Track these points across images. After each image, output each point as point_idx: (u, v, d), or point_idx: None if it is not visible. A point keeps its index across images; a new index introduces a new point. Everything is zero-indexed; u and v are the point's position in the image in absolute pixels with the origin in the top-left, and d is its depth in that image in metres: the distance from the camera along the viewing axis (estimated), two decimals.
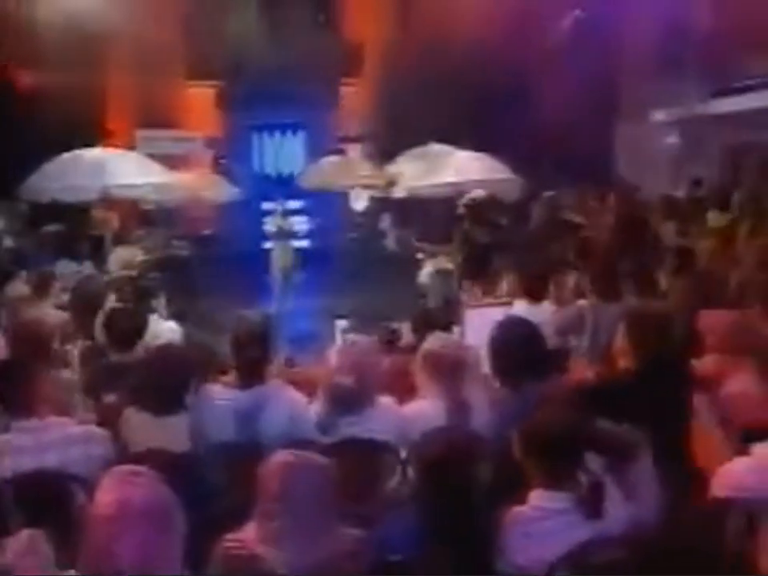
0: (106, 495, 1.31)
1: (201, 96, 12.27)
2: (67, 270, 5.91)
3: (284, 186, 11.98)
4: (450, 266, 5.11)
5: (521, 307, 3.13)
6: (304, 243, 11.24)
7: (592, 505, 1.52)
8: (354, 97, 13.15)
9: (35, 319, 2.86)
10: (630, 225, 4.92)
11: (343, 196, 11.71)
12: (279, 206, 9.46)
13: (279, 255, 8.24)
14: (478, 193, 6.58)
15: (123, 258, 6.90)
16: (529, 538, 1.51)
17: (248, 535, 1.41)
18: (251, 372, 2.18)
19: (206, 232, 11.23)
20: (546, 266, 3.63)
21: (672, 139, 10.02)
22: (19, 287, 3.93)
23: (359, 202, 11.65)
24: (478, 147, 8.88)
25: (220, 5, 11.85)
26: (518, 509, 1.56)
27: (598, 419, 1.73)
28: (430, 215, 7.62)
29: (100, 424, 2.22)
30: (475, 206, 6.39)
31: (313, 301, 7.47)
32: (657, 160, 9.80)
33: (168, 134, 11.16)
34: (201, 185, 8.24)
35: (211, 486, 1.89)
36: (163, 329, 3.21)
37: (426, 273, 5.34)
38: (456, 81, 11.34)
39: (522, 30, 10.85)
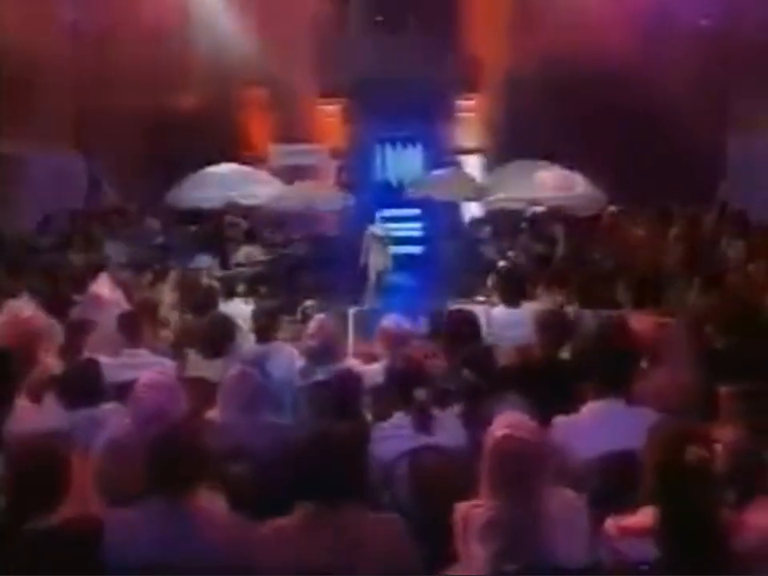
0: None
1: (329, 112, 13.86)
2: (203, 263, 7.53)
3: (400, 194, 13.27)
4: None
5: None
6: (408, 248, 12.49)
7: (418, 421, 2.50)
8: (472, 111, 14.14)
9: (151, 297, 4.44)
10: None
11: (454, 206, 12.71)
12: (382, 213, 10.66)
13: (375, 258, 9.42)
14: (539, 208, 7.34)
15: (246, 255, 8.52)
16: (379, 442, 2.51)
17: None
18: (264, 336, 3.48)
19: (326, 234, 12.71)
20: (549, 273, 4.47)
21: None
22: (147, 276, 5.53)
23: (468, 212, 12.61)
24: (579, 163, 9.54)
25: (346, 29, 13.37)
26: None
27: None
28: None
29: None
30: (535, 220, 7.18)
31: (401, 300, 8.59)
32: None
33: (297, 147, 12.83)
34: (315, 194, 9.63)
35: None
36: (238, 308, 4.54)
37: None
38: (567, 97, 12.00)
39: (638, 47, 11.25)
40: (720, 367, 3.35)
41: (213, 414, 2.65)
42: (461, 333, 3.14)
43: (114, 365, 3.25)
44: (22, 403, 2.88)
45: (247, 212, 9.32)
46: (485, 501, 1.91)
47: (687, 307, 4.54)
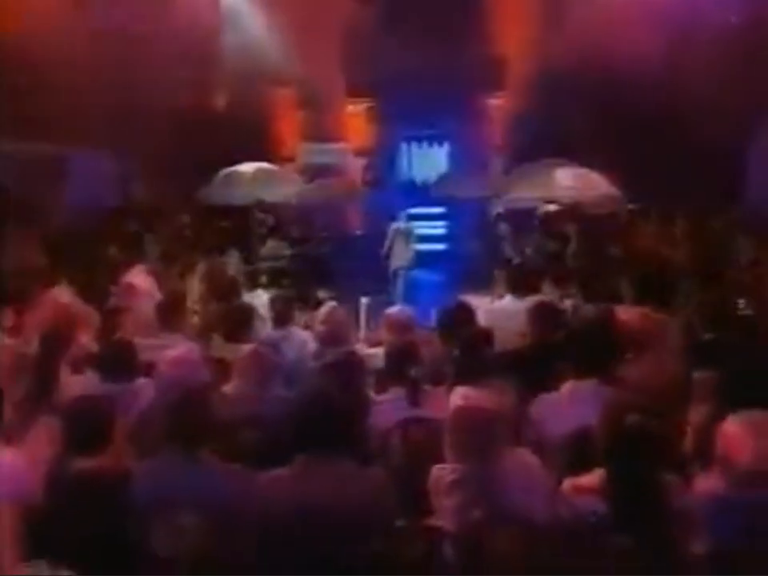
0: None
1: (355, 111, 14.22)
2: (230, 257, 7.95)
3: (425, 192, 13.59)
4: None
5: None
6: (432, 246, 12.80)
7: (411, 395, 2.83)
8: (498, 110, 14.35)
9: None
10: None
11: (479, 204, 12.97)
12: (405, 211, 10.99)
13: (398, 253, 9.75)
14: (551, 207, 7.58)
15: (271, 250, 8.93)
16: (376, 413, 2.84)
17: None
18: (280, 322, 3.86)
19: (349, 232, 13.06)
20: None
21: None
22: (177, 268, 5.98)
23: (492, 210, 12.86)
24: (600, 163, 9.72)
25: (373, 30, 13.69)
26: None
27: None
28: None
29: None
30: (547, 219, 7.42)
31: (423, 295, 8.92)
32: None
33: (324, 146, 13.23)
34: (337, 191, 10.00)
35: None
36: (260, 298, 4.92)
37: None
38: (593, 96, 12.16)
39: (666, 45, 11.36)
40: (702, 357, 3.61)
41: (228, 387, 3.02)
42: (454, 319, 3.45)
43: (146, 345, 3.64)
44: (66, 375, 3.29)
45: (273, 209, 9.74)
46: (450, 463, 2.23)
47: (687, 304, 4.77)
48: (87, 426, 2.34)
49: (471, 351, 3.13)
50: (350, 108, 14.13)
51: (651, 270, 4.89)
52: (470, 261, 10.39)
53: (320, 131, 13.45)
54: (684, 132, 10.93)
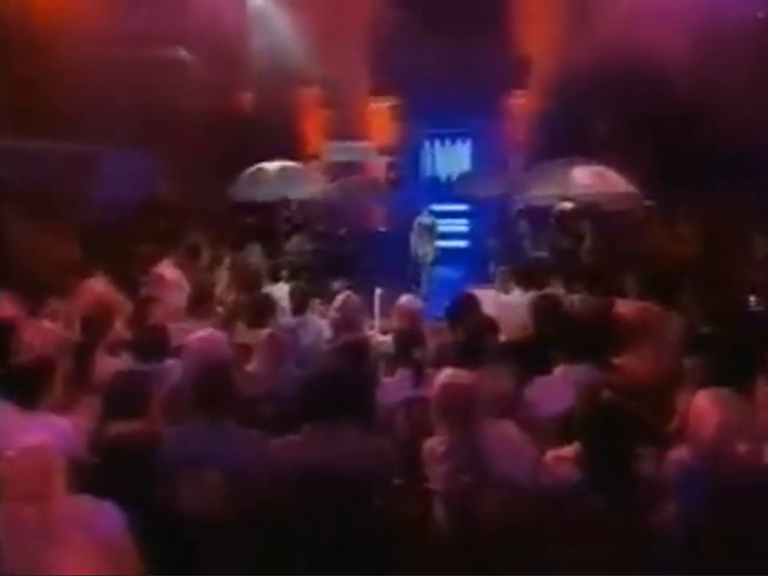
0: None
1: (379, 110, 14.50)
2: (256, 251, 8.31)
3: (448, 190, 13.83)
4: None
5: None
6: (455, 243, 13.06)
7: (415, 377, 3.10)
8: (521, 108, 14.53)
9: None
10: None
11: (501, 201, 13.15)
12: (428, 205, 11.26)
13: (421, 247, 10.02)
14: (567, 204, 7.78)
15: (295, 245, 9.28)
16: (384, 392, 3.12)
17: None
18: (298, 311, 4.18)
19: (372, 228, 13.35)
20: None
21: None
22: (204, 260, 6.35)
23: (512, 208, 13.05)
24: (622, 161, 9.85)
25: (397, 29, 13.96)
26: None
27: None
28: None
29: None
30: (562, 216, 7.63)
31: (444, 289, 9.17)
32: None
33: (348, 144, 13.54)
34: (359, 188, 10.29)
35: None
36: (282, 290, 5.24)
37: None
38: (615, 94, 12.28)
39: (692, 42, 11.42)
40: (694, 348, 3.83)
41: (249, 366, 3.33)
42: (461, 309, 3.72)
43: (175, 331, 3.98)
44: (103, 357, 3.63)
45: (297, 206, 10.09)
46: (439, 435, 2.52)
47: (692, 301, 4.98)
48: (126, 397, 2.67)
49: (474, 338, 3.40)
50: (374, 106, 14.42)
51: (656, 269, 5.12)
52: (490, 258, 10.63)
53: (344, 129, 13.75)
54: (707, 130, 11.00)
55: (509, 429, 2.61)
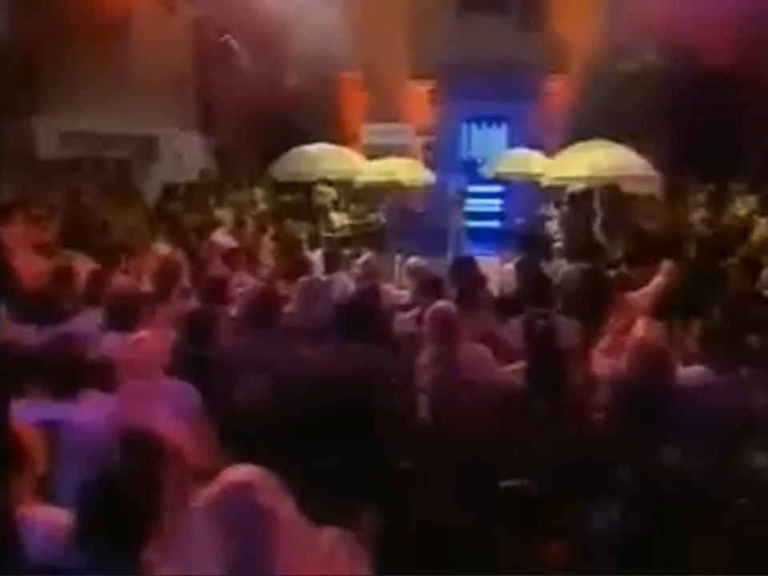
0: None
1: (418, 93, 15.37)
2: (298, 226, 9.34)
3: (484, 172, 14.62)
4: None
5: None
6: (489, 223, 13.94)
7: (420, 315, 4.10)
8: (557, 91, 15.19)
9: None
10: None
11: (531, 183, 13.91)
12: (461, 182, 12.16)
13: (452, 220, 10.87)
14: (580, 185, 8.54)
15: (333, 222, 10.30)
16: (399, 324, 4.12)
17: None
18: (329, 269, 5.18)
19: (408, 207, 14.22)
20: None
21: None
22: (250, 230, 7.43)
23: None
24: (648, 146, 10.50)
25: (436, 13, 14.75)
26: None
27: None
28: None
29: None
30: (574, 196, 8.43)
31: None
32: None
33: (387, 126, 14.44)
34: (395, 170, 11.19)
35: None
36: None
37: None
38: (647, 81, 12.89)
39: (729, 32, 11.90)
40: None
41: (288, 308, 4.37)
42: (460, 267, 4.69)
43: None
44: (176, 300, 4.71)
45: (336, 185, 11.08)
46: (427, 347, 3.49)
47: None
48: (199, 324, 3.70)
49: (465, 290, 4.35)
50: (413, 89, 15.30)
51: (639, 247, 5.95)
52: (518, 237, 11.45)
53: (383, 112, 14.66)
54: (744, 116, 11.54)
55: (481, 350, 3.56)
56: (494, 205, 15.23)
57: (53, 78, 8.62)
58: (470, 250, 11.76)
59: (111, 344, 3.49)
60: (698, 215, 7.81)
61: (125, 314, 3.84)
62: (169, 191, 9.56)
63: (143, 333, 3.27)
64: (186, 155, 10.81)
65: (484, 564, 2.07)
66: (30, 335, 3.81)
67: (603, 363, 3.41)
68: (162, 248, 6.70)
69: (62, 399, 2.94)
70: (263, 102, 12.06)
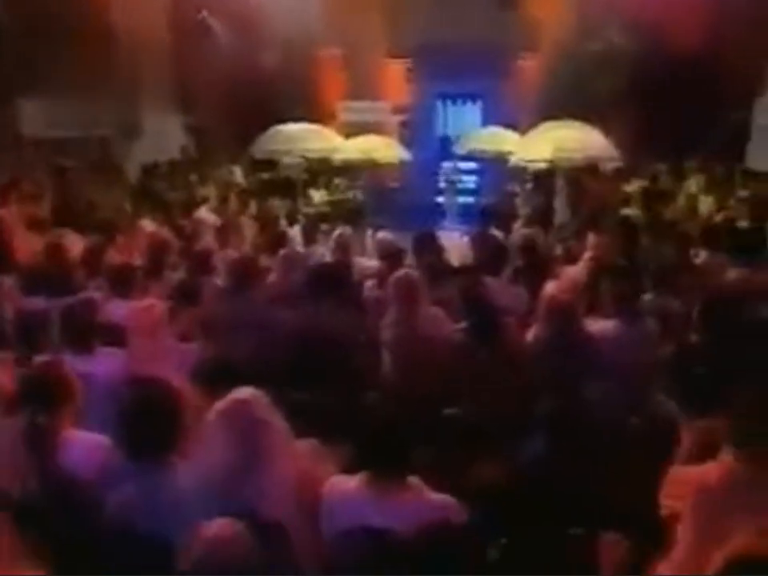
0: None
1: (395, 71, 15.87)
2: (277, 202, 9.90)
3: (458, 149, 15.19)
4: None
5: None
6: (465, 199, 14.61)
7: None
8: (531, 70, 15.77)
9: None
10: None
11: (502, 161, 14.51)
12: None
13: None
14: (542, 164, 9.21)
15: (311, 198, 10.89)
16: (366, 290, 4.79)
17: None
18: (307, 242, 5.82)
19: (389, 184, 14.78)
20: None
21: None
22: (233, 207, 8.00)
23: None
24: (612, 126, 11.14)
25: None
26: None
27: None
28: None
29: None
30: (538, 175, 9.16)
31: None
32: None
33: (363, 104, 14.95)
34: (372, 147, 11.75)
35: None
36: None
37: None
38: (616, 61, 13.50)
39: (692, 16, 12.50)
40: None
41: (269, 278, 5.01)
42: (422, 241, 5.34)
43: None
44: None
45: (313, 163, 11.62)
46: (391, 312, 4.15)
47: None
48: (186, 290, 4.33)
49: (428, 262, 5.01)
50: (389, 67, 15.79)
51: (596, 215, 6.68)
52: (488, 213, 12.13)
53: (360, 90, 15.15)
54: (706, 96, 12.21)
55: (436, 311, 4.24)
56: (470, 181, 15.86)
57: (36, 59, 9.06)
58: (454, 225, 12.49)
59: (118, 310, 4.11)
60: (631, 187, 8.56)
61: (125, 284, 4.46)
62: (151, 169, 10.08)
63: (151, 300, 3.91)
64: (165, 133, 11.31)
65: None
66: (40, 303, 4.41)
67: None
68: (149, 225, 7.27)
69: (80, 354, 3.56)
70: (241, 80, 12.53)
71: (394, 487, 2.33)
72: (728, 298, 3.76)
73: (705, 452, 2.47)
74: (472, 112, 16.58)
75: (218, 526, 1.88)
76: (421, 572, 1.65)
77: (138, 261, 5.76)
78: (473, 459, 3.24)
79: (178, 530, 2.01)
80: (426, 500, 2.29)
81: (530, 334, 3.93)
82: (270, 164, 11.14)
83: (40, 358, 3.12)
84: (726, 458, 2.31)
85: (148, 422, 2.49)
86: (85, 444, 2.72)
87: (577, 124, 11.41)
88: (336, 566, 2.27)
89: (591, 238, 5.30)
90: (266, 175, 10.94)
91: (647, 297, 4.27)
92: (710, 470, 2.30)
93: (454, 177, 14.19)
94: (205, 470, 2.41)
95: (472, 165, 15.49)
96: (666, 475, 2.43)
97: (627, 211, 7.58)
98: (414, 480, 2.39)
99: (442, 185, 14.27)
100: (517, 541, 2.28)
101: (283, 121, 11.62)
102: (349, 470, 2.60)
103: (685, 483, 2.34)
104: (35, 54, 9.01)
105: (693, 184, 8.73)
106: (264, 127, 11.80)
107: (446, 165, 14.98)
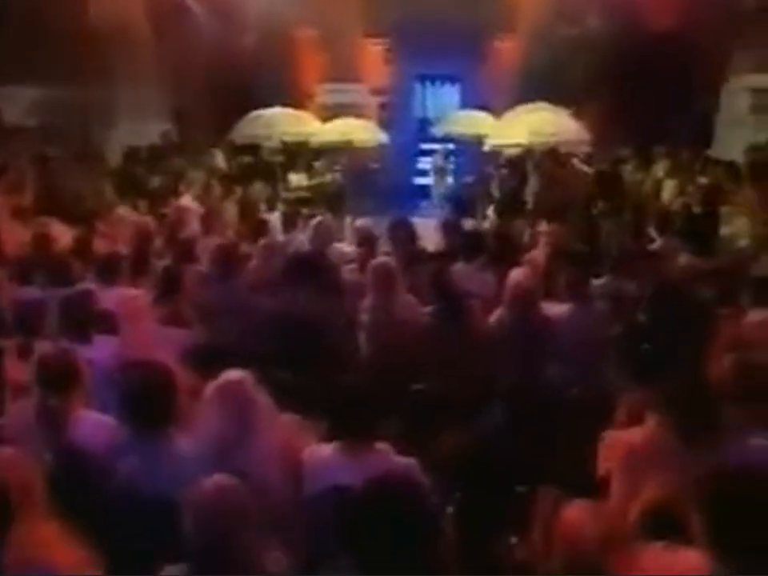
0: None
1: (372, 52, 16.07)
2: (258, 187, 10.18)
3: (437, 130, 15.47)
4: None
5: None
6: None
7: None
8: (508, 52, 16.04)
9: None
10: None
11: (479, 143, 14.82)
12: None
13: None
14: (514, 149, 9.61)
15: (291, 182, 11.18)
16: (346, 273, 5.18)
17: None
18: (287, 229, 6.19)
19: (368, 166, 15.03)
20: None
21: None
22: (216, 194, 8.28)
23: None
24: (586, 109, 11.46)
25: None
26: None
27: None
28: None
29: None
30: (511, 159, 9.53)
31: None
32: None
33: (341, 86, 15.17)
34: (350, 130, 12.06)
35: None
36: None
37: None
38: (596, 45, 13.79)
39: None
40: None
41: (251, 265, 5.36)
42: (396, 227, 5.71)
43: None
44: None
45: (293, 146, 11.89)
46: (369, 297, 4.52)
47: None
48: (169, 279, 4.68)
49: (402, 248, 5.38)
50: (367, 48, 15.98)
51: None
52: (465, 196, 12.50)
53: (339, 72, 15.33)
54: (679, 81, 12.57)
55: (408, 297, 4.62)
56: (449, 163, 16.16)
57: (13, 47, 9.22)
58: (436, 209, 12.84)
59: (110, 299, 4.43)
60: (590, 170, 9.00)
61: (112, 273, 4.78)
62: (132, 155, 10.31)
63: (137, 290, 4.25)
64: (145, 119, 11.51)
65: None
66: (35, 293, 4.71)
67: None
68: (131, 213, 7.54)
69: (79, 342, 3.90)
70: (220, 63, 12.70)
71: (363, 452, 2.74)
72: (672, 282, 4.18)
73: (636, 419, 2.87)
74: (450, 94, 16.86)
75: (215, 479, 2.24)
76: (376, 522, 1.96)
77: (121, 249, 6.08)
78: (438, 430, 3.64)
79: (179, 491, 2.37)
80: (391, 461, 2.69)
81: (493, 317, 4.32)
82: (252, 148, 11.41)
83: (41, 346, 3.46)
84: (651, 423, 2.72)
85: (147, 399, 2.86)
86: (95, 423, 3.09)
87: (551, 107, 11.85)
88: (315, 521, 2.68)
89: (544, 226, 5.70)
90: (247, 159, 11.21)
91: (604, 280, 4.69)
92: (636, 434, 2.72)
93: (443, 162, 14.34)
94: (201, 441, 2.80)
95: (450, 146, 15.82)
96: (601, 440, 2.85)
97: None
98: (382, 445, 2.80)
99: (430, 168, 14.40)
100: (470, 499, 2.67)
101: (261, 103, 11.86)
102: (326, 440, 2.98)
103: (617, 446, 2.75)
104: (12, 41, 9.17)
105: (660, 169, 9.14)
106: (243, 110, 12.05)
107: (437, 148, 15.19)
